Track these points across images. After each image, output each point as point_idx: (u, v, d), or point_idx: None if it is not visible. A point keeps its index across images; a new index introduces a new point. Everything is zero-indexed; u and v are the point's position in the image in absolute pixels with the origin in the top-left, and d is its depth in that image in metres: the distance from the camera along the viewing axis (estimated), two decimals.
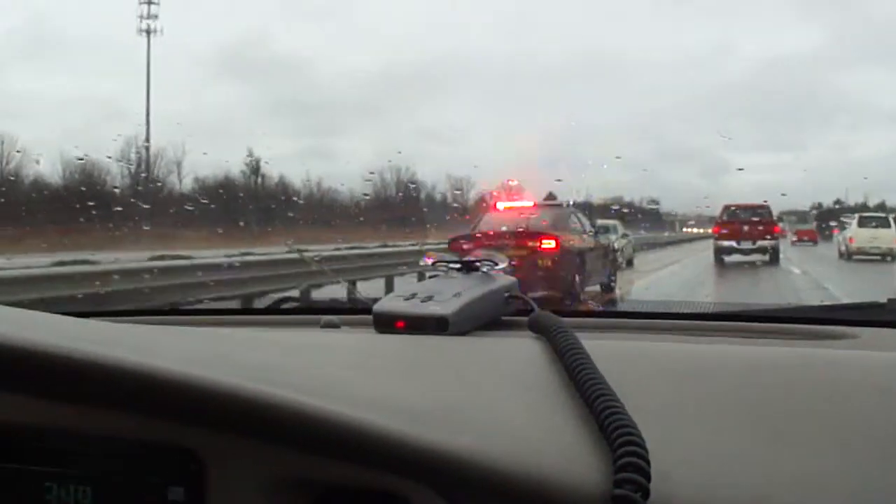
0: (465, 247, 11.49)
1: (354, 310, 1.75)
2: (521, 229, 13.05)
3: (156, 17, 23.90)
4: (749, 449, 0.87)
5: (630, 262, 22.45)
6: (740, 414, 0.96)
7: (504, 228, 13.38)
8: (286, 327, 1.72)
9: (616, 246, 18.86)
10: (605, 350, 1.08)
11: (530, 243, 12.60)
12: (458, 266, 1.60)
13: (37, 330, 1.09)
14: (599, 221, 20.36)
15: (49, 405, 1.01)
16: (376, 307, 1.46)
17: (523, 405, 0.98)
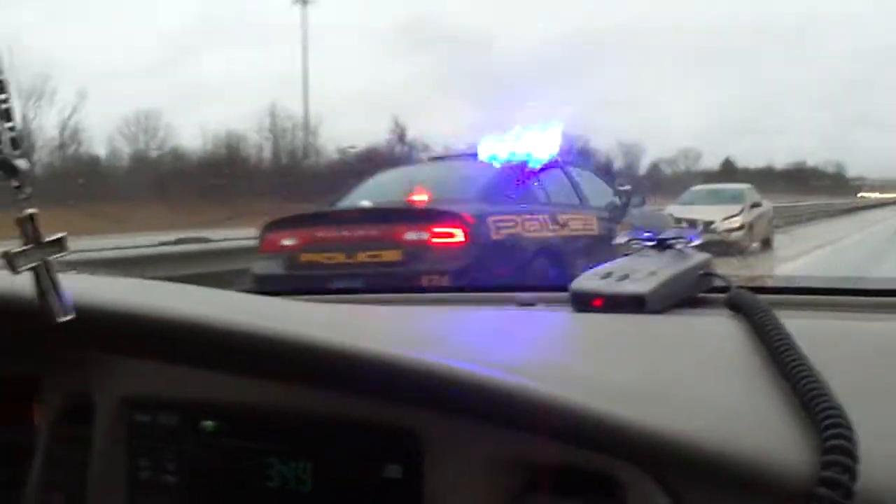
0: (280, 240, 7.29)
1: (548, 287, 1.76)
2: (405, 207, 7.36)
3: None
4: None
5: (766, 243, 19.84)
6: None
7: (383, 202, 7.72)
8: (480, 305, 1.74)
9: (736, 222, 18.50)
10: (803, 328, 1.06)
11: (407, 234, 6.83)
12: (652, 243, 1.59)
13: (249, 313, 1.17)
14: (728, 186, 21.67)
15: (272, 387, 1.08)
16: (574, 285, 1.46)
17: (727, 385, 0.98)
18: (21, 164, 1.03)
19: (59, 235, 1.03)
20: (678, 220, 14.80)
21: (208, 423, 1.15)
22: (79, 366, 1.25)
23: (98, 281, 1.49)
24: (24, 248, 1.01)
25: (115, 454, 1.21)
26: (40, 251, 1.02)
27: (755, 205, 19.33)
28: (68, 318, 1.02)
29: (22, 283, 1.22)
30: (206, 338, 1.06)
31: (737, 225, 18.40)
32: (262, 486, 1.10)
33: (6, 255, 1.01)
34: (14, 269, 1.00)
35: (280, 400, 1.08)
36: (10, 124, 1.02)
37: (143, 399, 1.20)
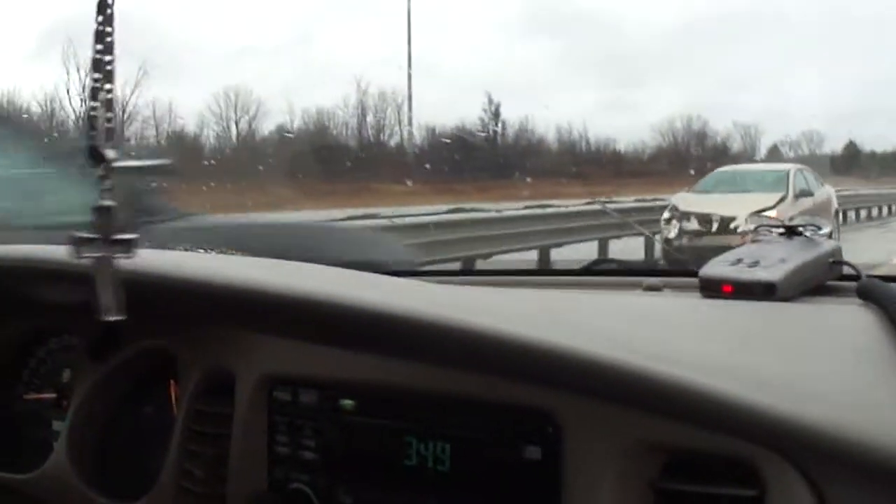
0: None
1: (675, 272, 1.75)
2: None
3: None
4: None
5: None
6: None
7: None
8: (607, 289, 1.73)
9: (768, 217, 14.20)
10: None
11: None
12: (781, 230, 1.58)
13: (385, 293, 1.19)
14: (767, 166, 16.77)
15: (411, 367, 1.10)
16: (703, 271, 1.45)
17: (862, 375, 0.96)
18: (110, 153, 1.06)
19: (130, 237, 1.05)
20: (683, 215, 12.07)
21: (347, 402, 1.17)
22: (219, 343, 1.29)
23: (230, 259, 1.54)
24: (92, 236, 1.04)
25: (255, 430, 1.25)
26: (106, 246, 1.04)
27: (803, 193, 13.78)
28: (115, 318, 1.04)
29: (152, 262, 1.28)
30: (343, 317, 1.09)
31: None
32: (400, 465, 1.12)
33: (73, 237, 1.04)
34: (77, 253, 1.04)
35: (419, 380, 1.10)
36: (109, 114, 1.06)
37: (283, 377, 1.23)
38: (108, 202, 1.04)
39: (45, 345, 1.58)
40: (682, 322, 1.26)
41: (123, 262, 1.05)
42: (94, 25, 1.04)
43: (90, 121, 1.05)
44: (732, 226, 11.77)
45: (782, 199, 13.01)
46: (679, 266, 1.88)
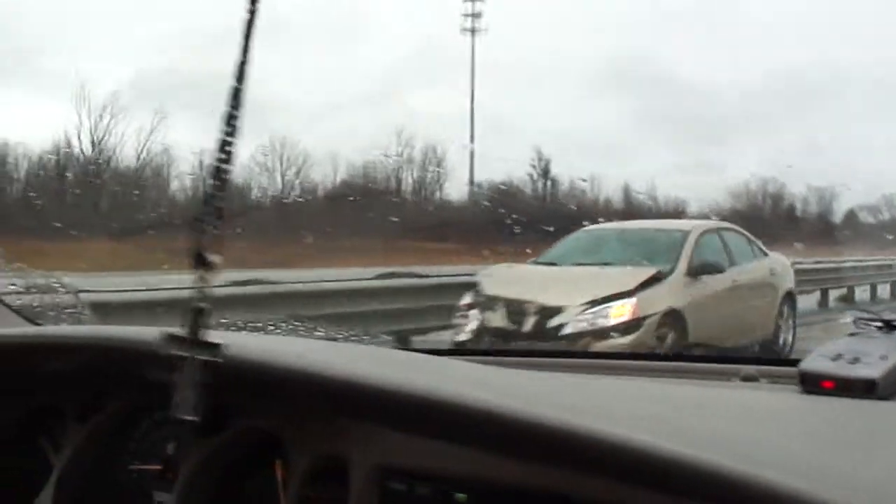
0: None
1: (773, 361, 1.73)
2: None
3: (479, 15, 23.20)
4: None
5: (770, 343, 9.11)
6: None
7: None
8: (699, 377, 1.72)
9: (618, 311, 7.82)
10: None
11: None
12: (879, 324, 1.57)
13: (487, 387, 1.21)
14: (651, 224, 11.17)
15: (521, 464, 1.11)
16: (804, 365, 1.45)
17: None
18: (213, 258, 1.09)
19: (218, 341, 1.09)
20: (488, 302, 8.23)
21: (461, 496, 1.19)
22: (330, 429, 1.31)
23: (338, 349, 1.57)
24: (184, 335, 1.07)
25: None
26: (196, 347, 1.08)
27: (707, 268, 8.79)
28: (190, 418, 1.08)
29: (262, 349, 1.31)
30: (454, 415, 1.11)
31: (620, 317, 7.85)
32: None
33: (168, 335, 1.07)
34: (167, 349, 1.07)
35: (532, 479, 1.11)
36: (217, 221, 1.09)
37: (398, 468, 1.25)
38: (201, 304, 1.08)
39: (150, 417, 1.62)
40: (783, 420, 1.25)
41: (211, 363, 1.09)
42: (225, 108, 1.07)
43: (197, 223, 1.08)
44: (554, 323, 7.84)
45: (655, 280, 8.18)
46: (776, 355, 1.85)
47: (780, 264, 10.22)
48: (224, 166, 1.09)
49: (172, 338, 1.10)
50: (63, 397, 1.66)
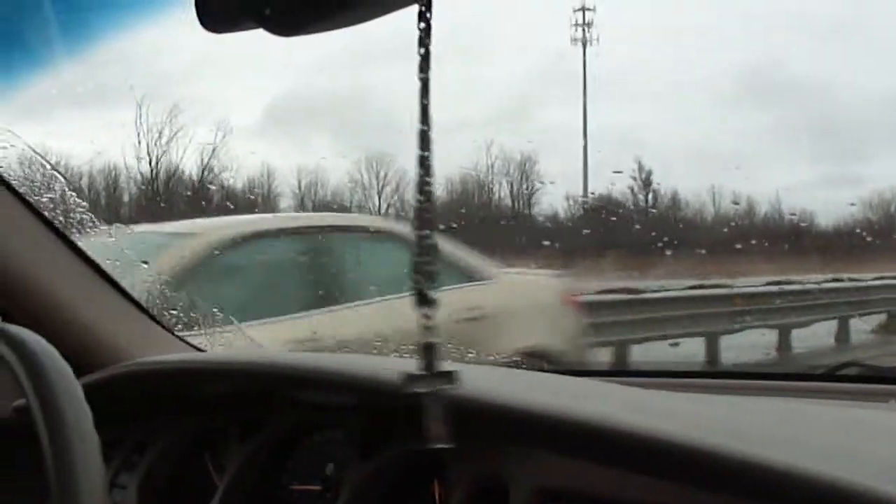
0: None
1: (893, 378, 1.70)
2: None
3: (590, 24, 22.36)
4: None
5: None
6: None
7: None
8: (852, 398, 1.68)
9: None
10: None
11: None
12: None
13: (643, 412, 1.25)
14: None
15: (687, 490, 1.10)
16: None
17: None
18: (434, 295, 1.09)
19: (452, 369, 1.11)
20: None
21: None
22: (492, 450, 1.33)
23: (496, 372, 1.60)
24: (423, 374, 1.11)
25: None
26: (434, 380, 1.10)
27: None
28: (444, 446, 1.10)
29: (487, 383, 1.36)
30: (614, 441, 1.14)
31: None
32: None
33: (408, 375, 1.11)
34: (409, 389, 1.11)
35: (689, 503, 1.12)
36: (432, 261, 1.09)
37: (558, 491, 1.26)
38: (433, 339, 1.10)
39: (311, 437, 1.68)
40: None
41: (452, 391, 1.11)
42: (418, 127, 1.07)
43: (417, 263, 1.09)
44: None
45: None
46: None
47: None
48: (426, 203, 1.09)
49: (413, 377, 1.14)
50: (226, 419, 1.74)
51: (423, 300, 1.09)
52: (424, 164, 1.07)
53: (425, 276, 1.08)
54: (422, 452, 1.42)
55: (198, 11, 1.02)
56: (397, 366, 1.25)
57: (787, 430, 1.26)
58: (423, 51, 1.02)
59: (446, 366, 1.10)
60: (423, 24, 1.01)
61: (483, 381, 1.42)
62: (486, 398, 1.30)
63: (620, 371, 2.04)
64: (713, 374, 2.11)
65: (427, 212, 1.08)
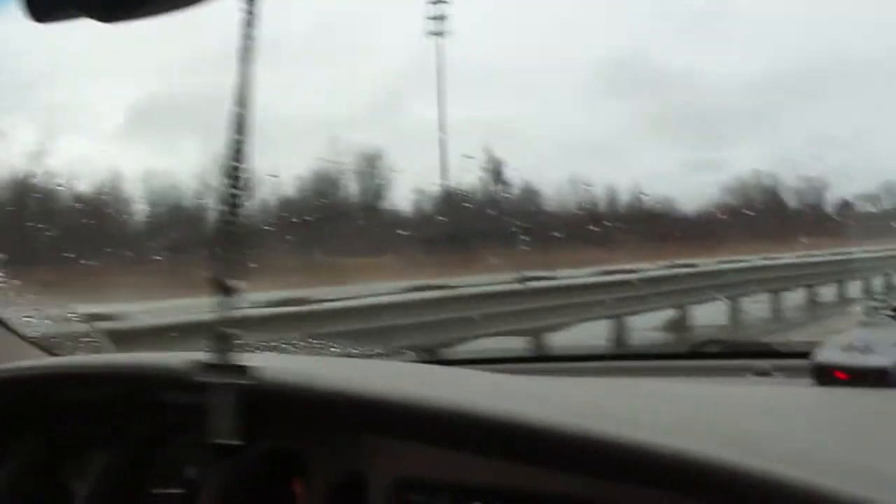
0: None
1: (785, 354, 1.74)
2: None
3: (443, 17, 22.29)
4: None
5: None
6: None
7: None
8: (713, 374, 1.71)
9: None
10: None
11: None
12: (890, 312, 1.57)
13: (501, 396, 1.23)
14: None
15: (547, 472, 1.11)
16: (816, 357, 1.45)
17: None
18: (235, 283, 1.10)
19: (249, 364, 1.10)
20: None
21: None
22: (350, 445, 1.32)
23: (356, 365, 1.58)
24: (217, 363, 1.08)
25: None
26: (228, 373, 1.09)
27: None
28: (226, 442, 1.10)
29: (285, 368, 1.32)
30: (471, 425, 1.12)
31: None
32: None
33: (198, 361, 1.07)
34: (199, 375, 1.08)
35: (550, 486, 1.11)
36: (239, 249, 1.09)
37: (417, 480, 1.25)
38: (229, 329, 1.09)
39: (172, 441, 1.63)
40: (798, 413, 1.25)
41: (244, 387, 1.10)
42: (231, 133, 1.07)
43: (216, 249, 1.09)
44: None
45: None
46: (789, 347, 1.85)
47: None
48: (236, 191, 1.09)
49: (203, 364, 1.10)
50: (84, 425, 1.68)
51: (222, 289, 1.06)
52: (237, 149, 1.06)
53: (225, 265, 1.05)
54: (282, 450, 1.42)
55: (24, 1, 1.00)
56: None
57: (640, 406, 1.27)
58: (246, 33, 1.01)
59: (241, 358, 1.09)
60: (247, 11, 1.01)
61: (334, 372, 1.41)
62: (337, 389, 1.27)
63: (492, 359, 2.02)
64: (579, 358, 2.12)
65: (234, 199, 1.07)
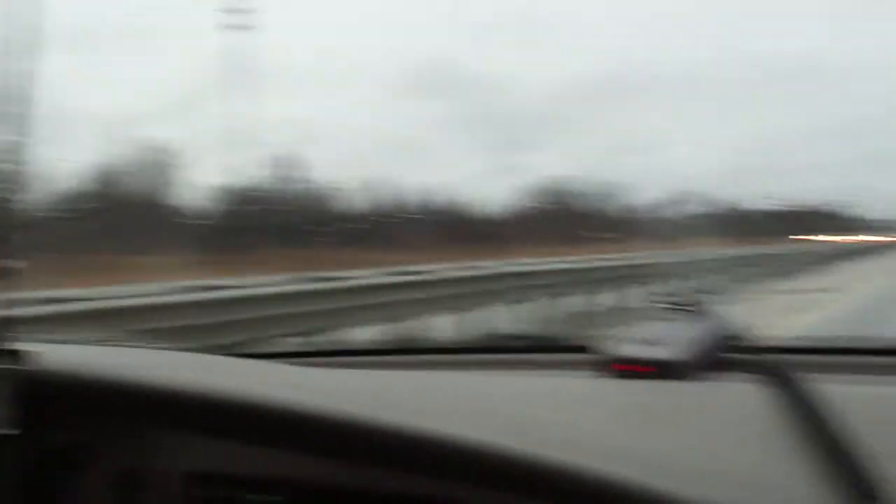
0: None
1: (567, 348, 1.75)
2: None
3: (246, 11, 22.16)
4: None
5: None
6: None
7: None
8: (500, 369, 1.72)
9: None
10: (831, 391, 1.04)
11: None
12: (674, 306, 1.58)
13: (291, 388, 1.20)
14: None
15: (327, 463, 1.09)
16: (595, 349, 1.46)
17: (757, 455, 0.96)
18: (14, 264, 1.05)
19: (24, 348, 1.07)
20: None
21: (273, 500, 1.16)
22: (134, 438, 1.26)
23: (143, 354, 1.51)
24: None
25: None
26: (2, 358, 1.05)
27: None
28: (7, 432, 1.05)
29: (65, 355, 1.27)
30: (259, 416, 1.08)
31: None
32: None
33: None
34: None
35: (342, 477, 1.10)
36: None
37: (205, 474, 1.21)
38: (9, 313, 1.05)
39: None
40: (574, 404, 1.25)
41: (22, 370, 1.06)
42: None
43: None
44: None
45: None
46: (572, 342, 1.88)
47: None
48: (18, 170, 1.06)
49: None
50: None
51: (3, 270, 1.02)
52: (16, 140, 1.03)
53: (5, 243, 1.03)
54: (62, 442, 1.32)
55: None
56: None
57: (422, 396, 1.28)
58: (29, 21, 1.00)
59: (21, 345, 1.05)
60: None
61: (116, 361, 1.36)
62: (115, 378, 1.21)
63: (303, 353, 2.02)
64: (377, 352, 2.17)
65: (12, 186, 1.05)
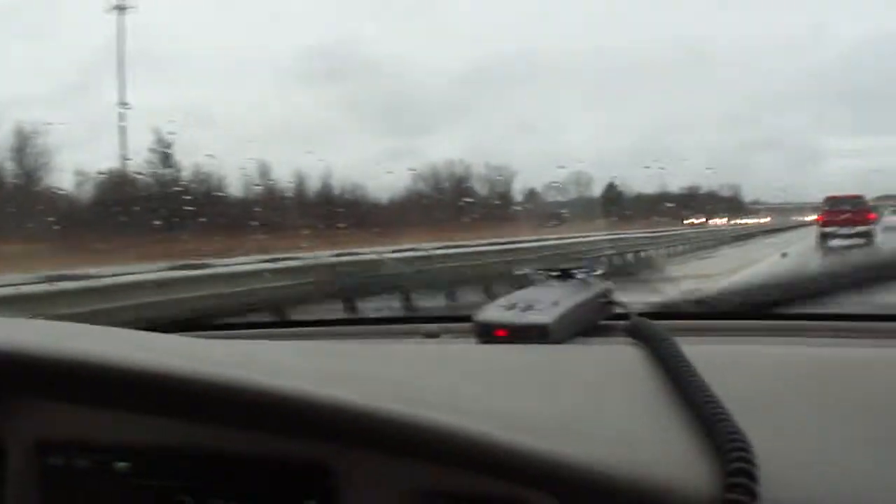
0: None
1: (452, 318, 1.77)
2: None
3: None
4: (859, 454, 0.87)
5: None
6: (847, 418, 0.95)
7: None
8: (386, 338, 1.74)
9: None
10: (702, 353, 1.09)
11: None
12: (555, 273, 1.62)
13: (154, 351, 1.14)
14: None
15: (185, 426, 1.07)
16: (477, 317, 1.48)
17: (630, 414, 0.99)
18: None
19: None
20: None
21: (122, 465, 1.14)
22: None
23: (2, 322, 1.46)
24: None
25: (28, 497, 1.19)
26: None
27: None
28: None
29: None
30: (114, 378, 1.03)
31: None
32: None
33: None
34: None
35: (194, 439, 1.08)
36: None
37: (56, 442, 1.18)
38: None
39: None
40: (456, 368, 1.27)
41: None
42: None
43: None
44: None
45: None
46: (456, 312, 1.90)
47: None
48: None
49: None
50: None
51: None
52: None
53: None
54: None
55: None
56: None
57: (300, 362, 1.27)
58: None
59: None
60: None
61: None
62: None
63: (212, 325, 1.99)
64: (287, 324, 2.12)
65: None
